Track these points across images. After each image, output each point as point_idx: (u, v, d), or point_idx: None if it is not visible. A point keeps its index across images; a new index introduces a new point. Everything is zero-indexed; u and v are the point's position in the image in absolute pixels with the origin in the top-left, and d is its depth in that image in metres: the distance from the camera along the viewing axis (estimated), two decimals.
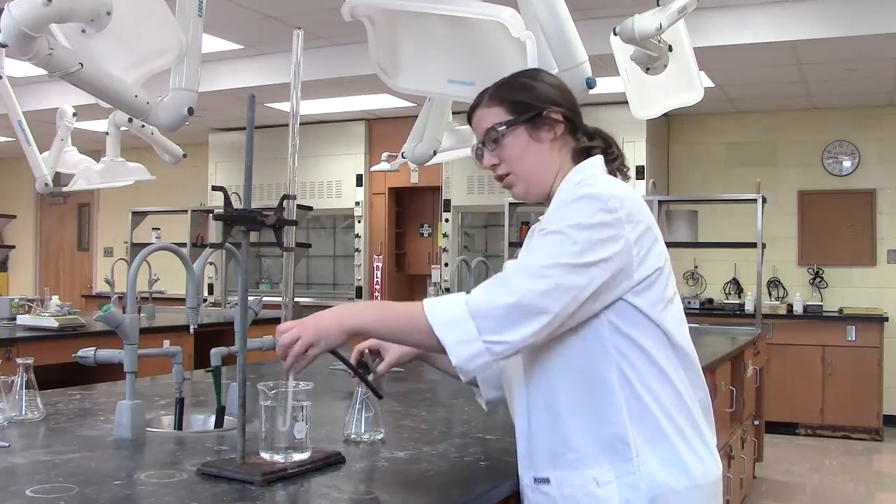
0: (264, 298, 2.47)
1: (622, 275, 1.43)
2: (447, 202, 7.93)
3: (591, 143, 1.62)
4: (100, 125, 5.15)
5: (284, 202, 1.56)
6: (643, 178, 7.07)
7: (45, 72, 2.15)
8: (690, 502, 1.47)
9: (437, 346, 1.40)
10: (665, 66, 3.00)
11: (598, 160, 1.59)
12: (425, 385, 2.75)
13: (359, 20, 2.15)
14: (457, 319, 1.39)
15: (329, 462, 1.60)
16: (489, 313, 1.38)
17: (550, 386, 1.50)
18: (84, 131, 6.65)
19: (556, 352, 1.48)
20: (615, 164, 1.62)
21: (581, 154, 1.60)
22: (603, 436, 1.46)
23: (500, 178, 1.62)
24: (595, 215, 1.42)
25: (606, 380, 1.46)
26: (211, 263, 6.82)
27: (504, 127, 1.56)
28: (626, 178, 1.63)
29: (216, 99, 6.98)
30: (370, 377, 1.73)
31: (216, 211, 6.56)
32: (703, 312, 7.13)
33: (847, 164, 7.53)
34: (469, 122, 1.66)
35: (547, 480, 1.51)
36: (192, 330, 2.07)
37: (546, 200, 1.60)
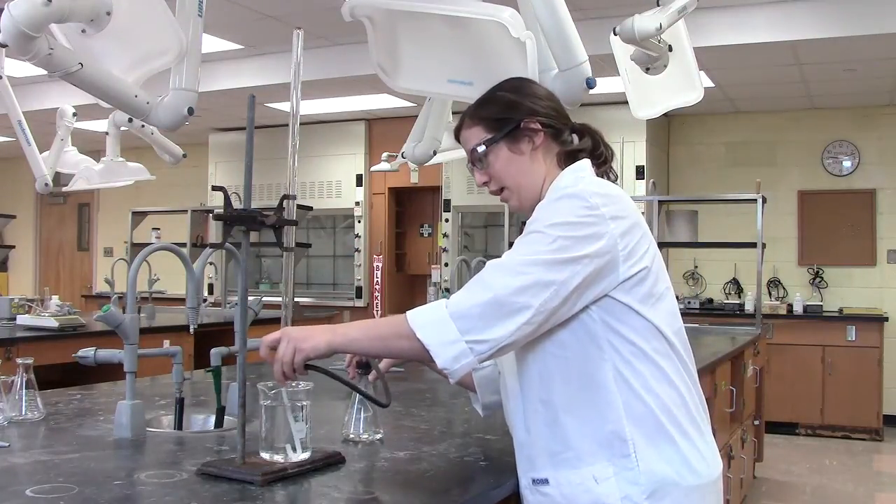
0: (264, 298, 2.47)
1: (607, 270, 1.43)
2: (447, 202, 7.92)
3: (578, 145, 1.62)
4: (100, 125, 5.15)
5: (284, 202, 1.56)
6: (643, 178, 7.07)
7: (45, 72, 2.15)
8: (691, 497, 1.47)
9: (422, 351, 1.40)
10: (665, 66, 3.00)
11: (584, 164, 1.60)
12: (425, 385, 2.75)
13: (359, 20, 2.15)
14: (438, 322, 1.39)
15: (329, 462, 1.60)
16: (468, 313, 1.39)
17: (546, 386, 1.50)
18: (84, 131, 6.65)
19: (550, 352, 1.48)
20: (603, 167, 1.63)
21: (568, 158, 1.61)
22: (600, 433, 1.46)
23: (495, 194, 1.64)
24: (576, 213, 1.43)
25: (601, 377, 1.46)
26: (211, 263, 6.82)
27: (484, 146, 1.59)
28: (614, 180, 1.63)
29: (216, 99, 6.98)
30: (373, 375, 1.72)
31: (216, 211, 6.55)
32: (703, 312, 7.12)
33: (847, 164, 7.53)
34: (458, 141, 1.68)
35: (545, 481, 1.51)
36: (192, 330, 2.07)
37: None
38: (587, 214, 1.43)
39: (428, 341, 1.39)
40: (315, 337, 1.45)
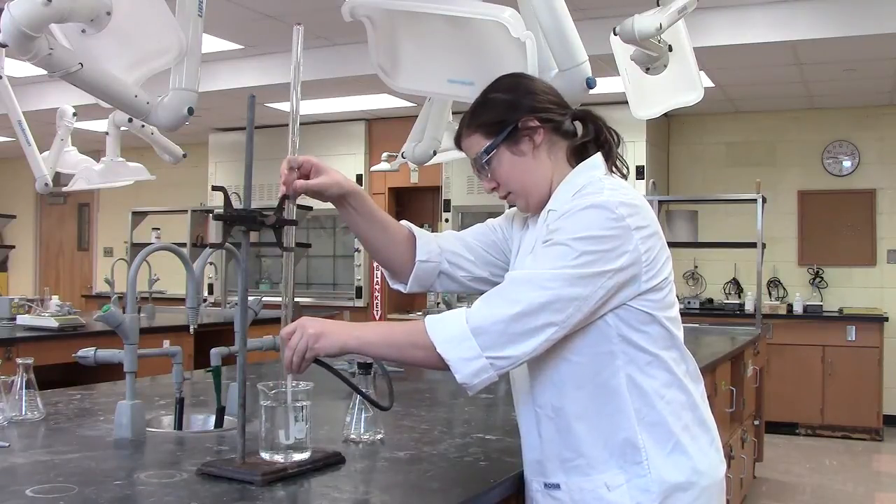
0: (264, 298, 2.47)
1: (629, 282, 1.42)
2: (447, 202, 7.93)
3: (582, 136, 1.58)
4: (100, 125, 5.15)
5: (284, 202, 1.56)
6: (643, 178, 7.07)
7: (45, 72, 2.15)
8: (699, 500, 1.48)
9: (439, 363, 1.39)
10: (665, 66, 3.00)
11: (597, 160, 1.56)
12: (425, 385, 2.75)
13: (359, 20, 2.15)
14: (458, 337, 1.37)
15: (329, 462, 1.60)
16: (490, 329, 1.37)
17: (558, 393, 1.49)
18: (84, 131, 6.65)
19: (564, 358, 1.47)
20: (611, 158, 1.58)
21: (577, 153, 1.57)
22: (612, 441, 1.46)
23: (504, 198, 1.61)
24: (602, 225, 1.40)
25: (615, 384, 1.45)
26: (211, 263, 6.82)
27: (485, 154, 1.55)
28: (624, 172, 1.60)
29: (216, 99, 6.97)
30: (373, 373, 1.72)
31: (216, 211, 6.55)
32: (703, 312, 7.12)
33: (847, 164, 7.53)
34: (460, 150, 1.65)
35: (557, 486, 1.51)
36: (192, 330, 2.07)
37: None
38: (613, 227, 1.40)
39: (448, 356, 1.37)
40: (329, 336, 1.44)
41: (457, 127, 1.66)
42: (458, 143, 1.63)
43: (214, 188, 1.56)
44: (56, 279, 10.82)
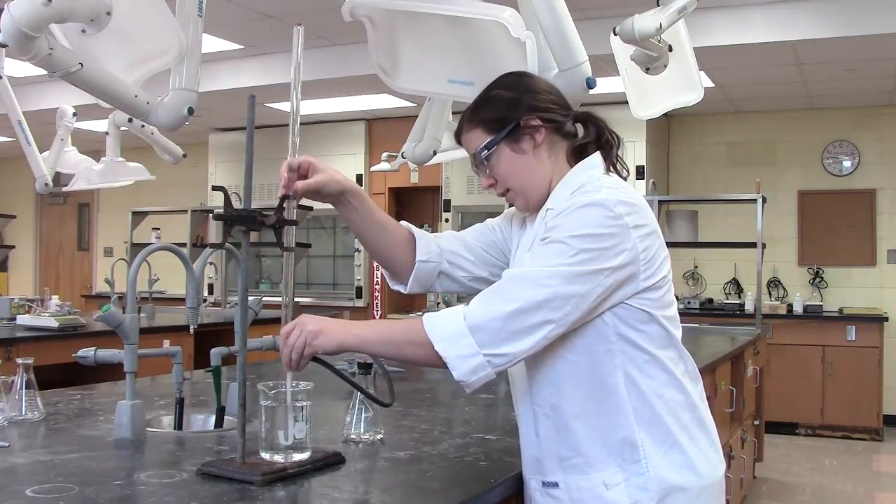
0: (264, 298, 2.47)
1: (627, 280, 1.42)
2: (447, 202, 7.93)
3: (583, 137, 1.58)
4: (100, 125, 5.15)
5: (284, 202, 1.56)
6: (643, 178, 7.08)
7: (45, 72, 2.15)
8: (697, 500, 1.48)
9: (437, 360, 1.39)
10: (665, 66, 3.00)
11: (596, 159, 1.56)
12: (425, 385, 2.75)
13: (359, 20, 2.15)
14: (456, 334, 1.37)
15: (329, 462, 1.60)
16: (487, 326, 1.37)
17: (556, 391, 1.49)
18: (84, 131, 6.65)
19: (561, 356, 1.47)
20: (610, 158, 1.58)
21: (577, 153, 1.58)
22: (610, 439, 1.45)
23: (502, 195, 1.61)
24: (600, 223, 1.40)
25: (613, 383, 1.45)
26: (211, 263, 6.82)
27: (485, 150, 1.55)
28: (624, 173, 1.59)
29: (216, 99, 6.97)
30: (373, 373, 1.72)
31: (216, 211, 6.55)
32: (703, 312, 7.13)
33: (847, 164, 7.53)
34: (459, 144, 1.65)
35: (555, 485, 1.51)
36: (192, 330, 2.07)
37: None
38: (611, 225, 1.40)
39: (446, 354, 1.38)
40: (327, 334, 1.44)
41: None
42: (459, 137, 1.63)
43: (214, 188, 1.56)
44: (56, 279, 10.82)
